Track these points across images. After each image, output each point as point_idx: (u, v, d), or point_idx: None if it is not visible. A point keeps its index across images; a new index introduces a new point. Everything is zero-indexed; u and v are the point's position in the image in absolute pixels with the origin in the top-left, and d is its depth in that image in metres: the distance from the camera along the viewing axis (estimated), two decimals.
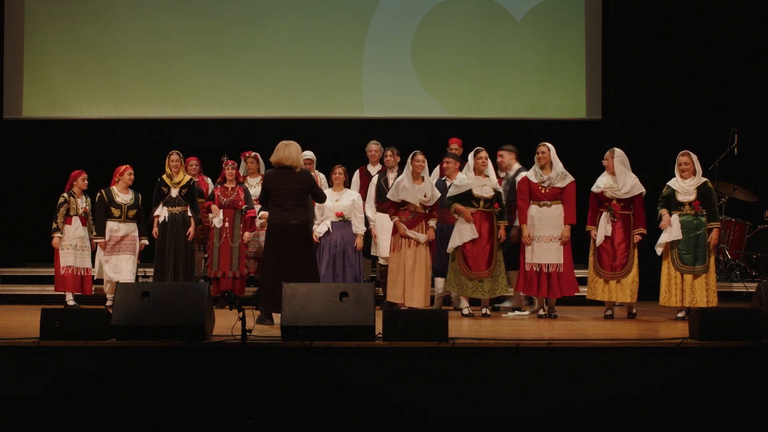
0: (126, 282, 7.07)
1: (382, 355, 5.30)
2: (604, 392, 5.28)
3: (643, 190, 7.36)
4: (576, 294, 7.53)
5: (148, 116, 10.10)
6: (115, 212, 8.04)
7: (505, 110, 10.10)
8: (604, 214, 7.36)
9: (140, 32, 10.08)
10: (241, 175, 8.63)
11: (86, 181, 8.21)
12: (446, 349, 5.30)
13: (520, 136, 9.63)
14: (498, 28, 10.10)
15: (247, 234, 8.23)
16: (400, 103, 10.11)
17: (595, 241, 7.41)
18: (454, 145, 8.48)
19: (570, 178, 7.42)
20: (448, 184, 7.81)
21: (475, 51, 10.11)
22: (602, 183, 7.43)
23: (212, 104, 10.14)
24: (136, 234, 8.17)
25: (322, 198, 7.13)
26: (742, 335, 5.43)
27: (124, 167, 8.21)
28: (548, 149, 7.42)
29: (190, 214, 8.09)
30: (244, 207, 8.29)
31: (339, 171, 8.04)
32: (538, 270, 7.30)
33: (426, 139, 8.77)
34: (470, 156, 7.46)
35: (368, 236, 8.08)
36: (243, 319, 5.19)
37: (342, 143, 9.47)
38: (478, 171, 7.42)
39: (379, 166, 8.49)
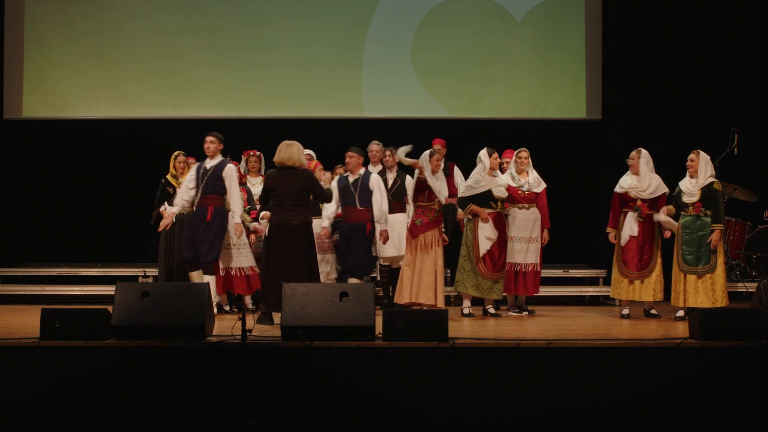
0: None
1: (382, 355, 5.30)
2: (604, 392, 5.28)
3: (666, 190, 7.43)
4: (536, 294, 7.72)
5: (148, 116, 10.07)
6: None
7: (505, 110, 10.10)
8: (630, 214, 7.41)
9: (140, 32, 10.05)
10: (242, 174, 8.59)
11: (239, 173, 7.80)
12: (446, 349, 5.30)
13: (520, 136, 9.63)
14: (498, 28, 10.08)
15: (252, 237, 8.20)
16: (400, 103, 10.10)
17: (618, 242, 7.47)
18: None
19: (544, 185, 7.65)
20: (350, 179, 7.74)
21: (475, 51, 10.10)
22: (626, 183, 7.47)
23: (212, 104, 10.12)
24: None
25: (327, 198, 7.12)
26: (742, 335, 5.44)
27: (254, 153, 7.82)
28: (528, 154, 7.64)
29: None
30: (246, 208, 8.25)
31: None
32: (516, 269, 7.51)
33: (426, 139, 8.74)
34: (483, 156, 7.45)
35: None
36: (243, 319, 5.19)
37: (342, 143, 9.45)
38: (492, 171, 7.46)
39: (380, 167, 8.48)
